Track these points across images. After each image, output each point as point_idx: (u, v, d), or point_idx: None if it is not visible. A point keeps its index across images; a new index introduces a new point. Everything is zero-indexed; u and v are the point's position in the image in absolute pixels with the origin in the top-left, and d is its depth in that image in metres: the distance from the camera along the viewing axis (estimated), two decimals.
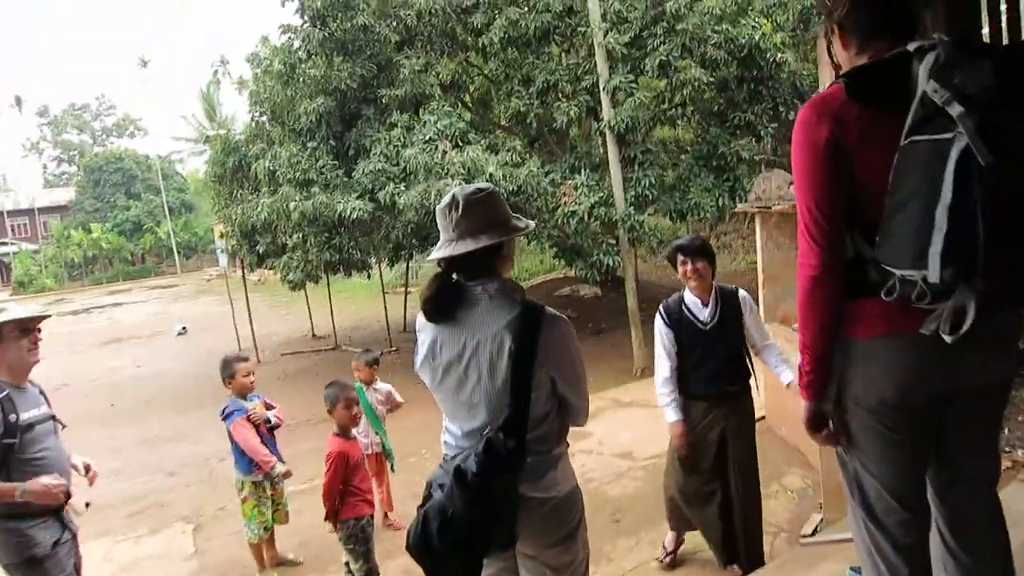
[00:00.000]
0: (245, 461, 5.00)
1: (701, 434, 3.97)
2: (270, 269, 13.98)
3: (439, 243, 2.26)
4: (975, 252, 1.52)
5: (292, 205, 10.92)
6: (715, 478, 4.00)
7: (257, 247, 13.43)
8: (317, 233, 11.39)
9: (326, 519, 4.22)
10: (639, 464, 6.34)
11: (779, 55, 10.20)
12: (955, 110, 1.53)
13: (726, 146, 10.40)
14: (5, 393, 3.27)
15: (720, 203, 10.11)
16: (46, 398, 3.59)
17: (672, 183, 10.47)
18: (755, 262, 17.59)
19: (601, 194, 9.50)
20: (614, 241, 9.75)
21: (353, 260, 12.22)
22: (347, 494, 4.16)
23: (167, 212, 49.75)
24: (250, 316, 15.05)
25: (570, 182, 9.66)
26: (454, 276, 2.27)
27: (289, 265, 12.17)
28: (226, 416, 4.99)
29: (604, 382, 9.51)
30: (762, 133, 10.57)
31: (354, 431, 4.50)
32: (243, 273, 15.40)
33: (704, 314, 3.97)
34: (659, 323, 4.06)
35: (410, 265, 18.17)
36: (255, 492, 5.05)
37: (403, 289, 18.46)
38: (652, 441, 6.64)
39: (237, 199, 13.40)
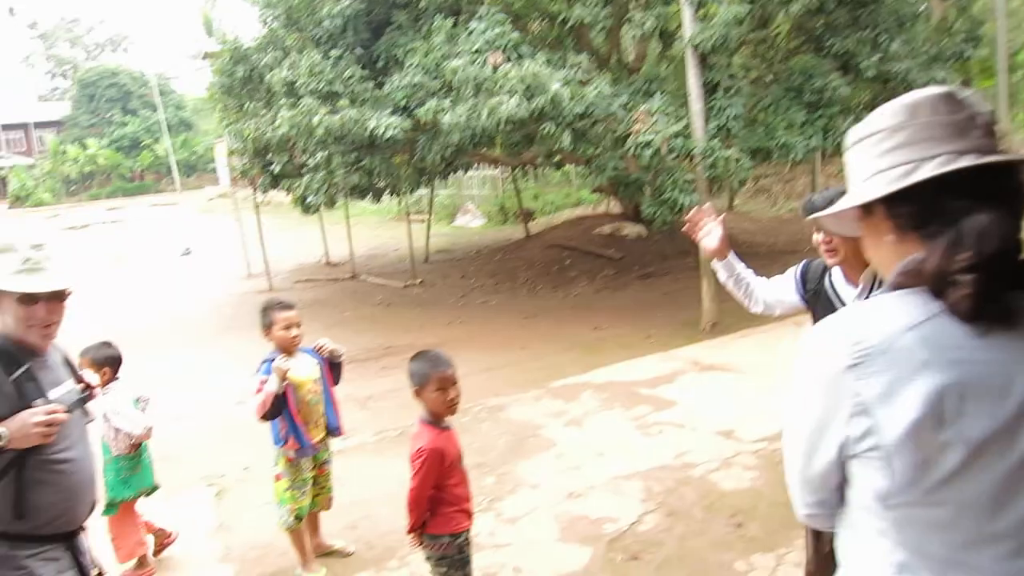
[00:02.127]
0: (275, 429, 3.97)
1: None
2: (286, 191, 12.74)
3: (892, 164, 1.13)
4: None
5: (316, 120, 9.62)
6: None
7: (271, 166, 12.15)
8: (344, 152, 10.12)
9: (410, 532, 3.16)
10: (747, 448, 5.26)
11: None
12: None
13: (823, 78, 9.02)
14: (26, 368, 2.33)
15: (811, 143, 8.83)
16: (73, 369, 2.62)
17: (756, 117, 9.15)
18: (795, 209, 16.34)
19: (680, 123, 8.22)
20: (690, 177, 8.50)
21: (381, 184, 10.99)
22: (440, 502, 3.08)
23: (166, 129, 48.61)
24: (262, 240, 13.90)
25: (644, 107, 8.37)
26: None
27: (310, 187, 10.92)
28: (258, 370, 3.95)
29: (668, 337, 8.43)
30: (861, 65, 9.19)
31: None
32: (254, 193, 14.16)
33: (849, 299, 2.73)
34: (790, 274, 2.96)
35: (432, 191, 17.03)
36: (290, 471, 3.99)
37: (422, 217, 17.30)
38: (755, 419, 5.60)
39: (248, 113, 12.04)
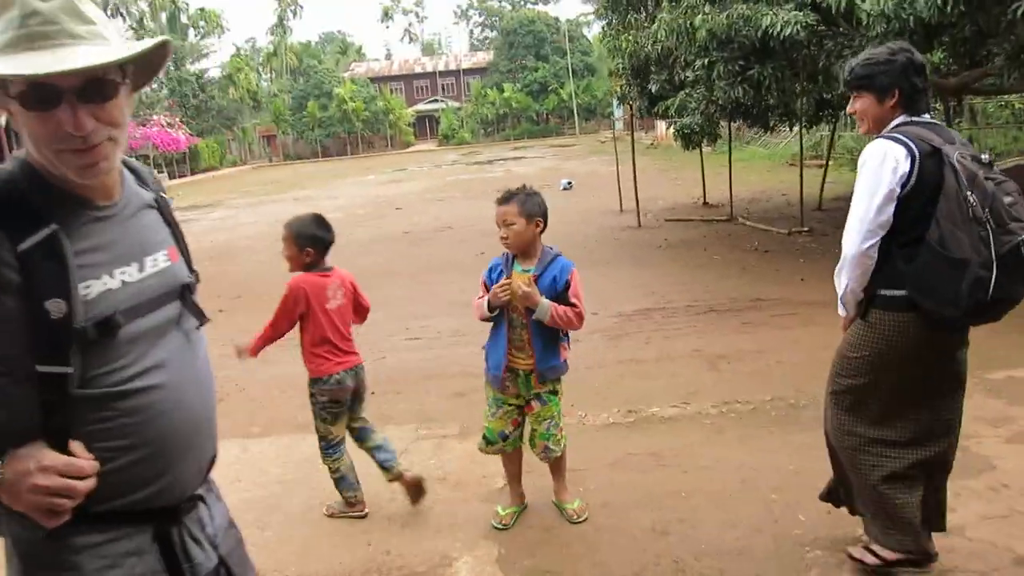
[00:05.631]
0: None
1: None
2: (662, 117, 11.46)
3: None
4: None
5: (699, 20, 8.07)
6: None
7: (649, 86, 10.90)
8: (728, 60, 8.42)
9: None
10: None
11: None
12: None
13: None
14: (50, 233, 1.25)
15: None
16: (176, 232, 1.49)
17: None
18: None
19: None
20: None
21: (771, 101, 9.07)
22: None
23: (571, 74, 51.68)
24: (634, 173, 12.83)
25: None
26: None
27: (686, 105, 9.46)
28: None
29: None
30: None
31: None
32: (631, 122, 13.11)
33: None
34: None
35: (835, 129, 14.39)
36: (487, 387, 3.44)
37: (820, 162, 14.74)
38: None
39: (630, 26, 10.87)
